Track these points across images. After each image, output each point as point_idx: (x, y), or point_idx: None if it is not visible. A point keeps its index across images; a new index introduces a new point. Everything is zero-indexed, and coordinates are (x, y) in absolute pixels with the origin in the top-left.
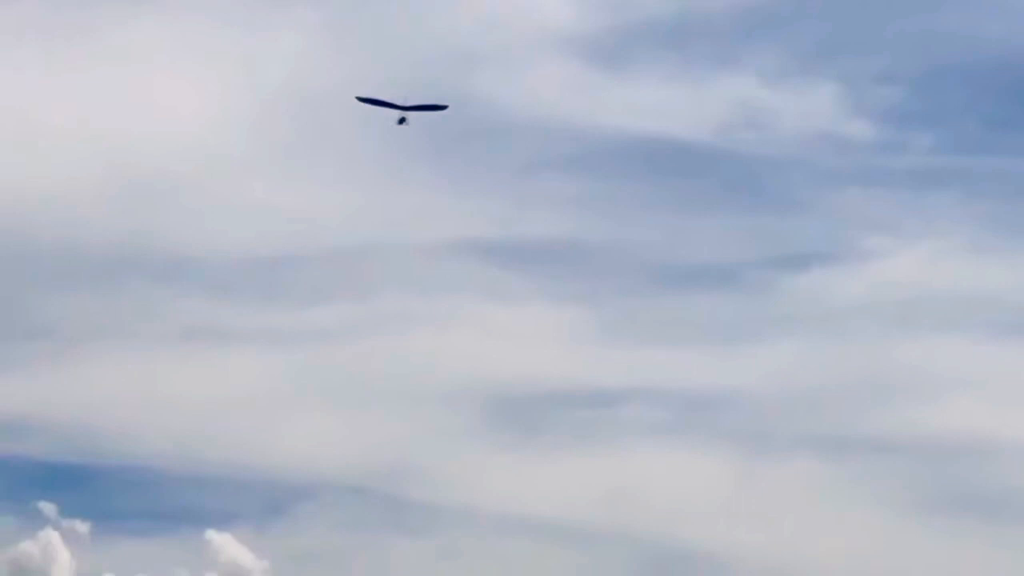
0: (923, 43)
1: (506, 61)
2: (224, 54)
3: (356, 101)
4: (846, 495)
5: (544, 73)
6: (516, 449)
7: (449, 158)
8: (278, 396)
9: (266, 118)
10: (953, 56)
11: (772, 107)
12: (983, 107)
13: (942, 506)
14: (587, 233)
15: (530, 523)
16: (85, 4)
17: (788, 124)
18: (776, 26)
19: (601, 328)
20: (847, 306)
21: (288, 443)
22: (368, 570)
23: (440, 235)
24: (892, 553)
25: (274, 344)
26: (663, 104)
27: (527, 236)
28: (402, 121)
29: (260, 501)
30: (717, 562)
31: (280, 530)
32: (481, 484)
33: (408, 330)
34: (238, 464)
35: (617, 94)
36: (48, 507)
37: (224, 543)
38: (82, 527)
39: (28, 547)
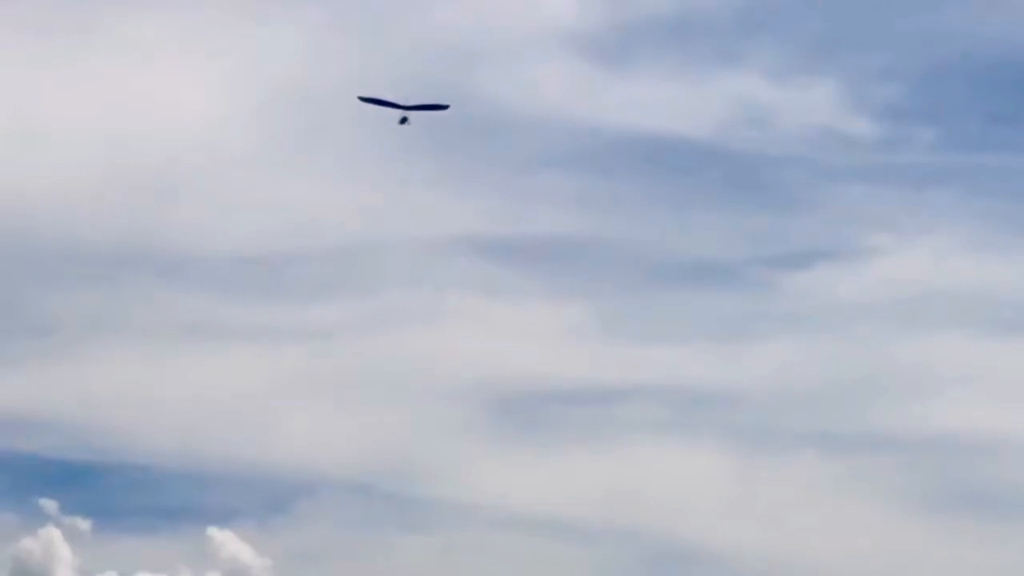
0: (924, 40)
1: (507, 58)
2: (227, 51)
3: (357, 98)
4: (848, 492)
5: (545, 71)
6: (517, 446)
7: (450, 155)
8: (280, 393)
9: (268, 115)
10: (954, 53)
11: (773, 104)
12: (984, 104)
13: (944, 503)
14: (589, 230)
15: (531, 520)
16: (87, 0)
17: (789, 121)
18: (777, 23)
19: (603, 325)
20: (849, 303)
21: (290, 440)
22: (370, 567)
23: (441, 232)
24: (894, 550)
25: (276, 341)
26: (664, 101)
27: (528, 233)
28: (404, 121)
29: (262, 498)
30: (718, 559)
31: (282, 527)
32: (483, 481)
33: (409, 327)
34: (240, 461)
35: (618, 91)
36: (49, 504)
37: (226, 540)
38: (83, 524)
39: (29, 544)
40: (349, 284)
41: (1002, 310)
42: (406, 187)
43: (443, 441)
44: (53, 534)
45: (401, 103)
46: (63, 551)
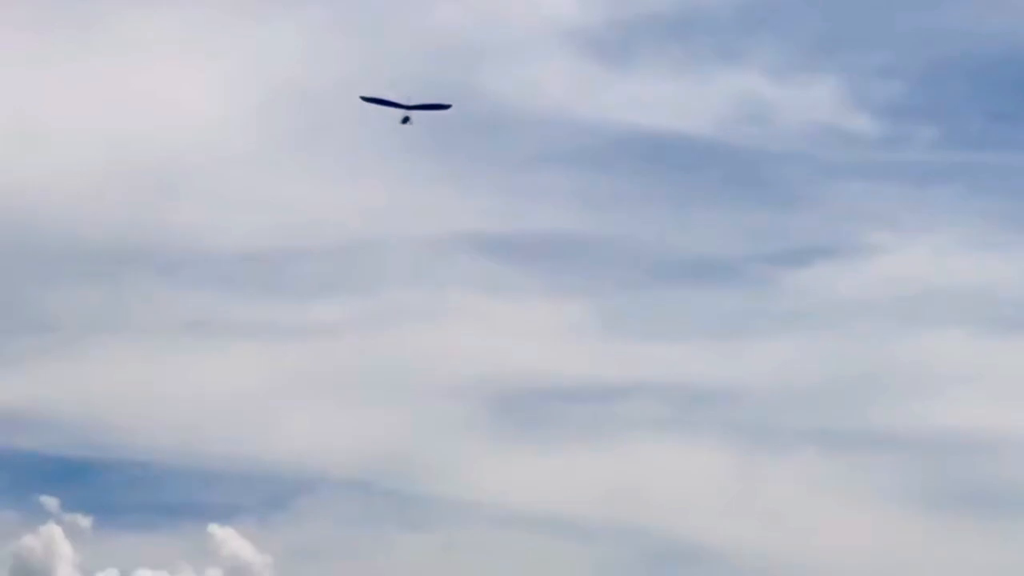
0: (925, 37)
1: (508, 56)
2: (227, 50)
3: (360, 98)
4: (848, 489)
5: (546, 69)
6: (518, 444)
7: (452, 153)
8: (281, 390)
9: (269, 114)
10: (955, 50)
11: (774, 101)
12: (985, 101)
13: (944, 500)
14: (589, 228)
15: (532, 517)
16: None
17: (790, 119)
18: (778, 20)
19: (603, 323)
20: (849, 300)
21: (291, 437)
22: (370, 564)
23: (442, 229)
24: (894, 547)
25: (277, 338)
26: (665, 99)
27: (529, 231)
28: (406, 120)
29: (263, 495)
30: (719, 556)
31: (283, 524)
32: (483, 478)
33: (411, 324)
34: (240, 458)
35: (619, 89)
36: (50, 501)
37: (227, 537)
38: (84, 521)
39: (30, 541)
40: (350, 282)
41: (1002, 308)
42: (407, 185)
43: (443, 438)
44: (54, 531)
45: (403, 103)
46: (64, 548)
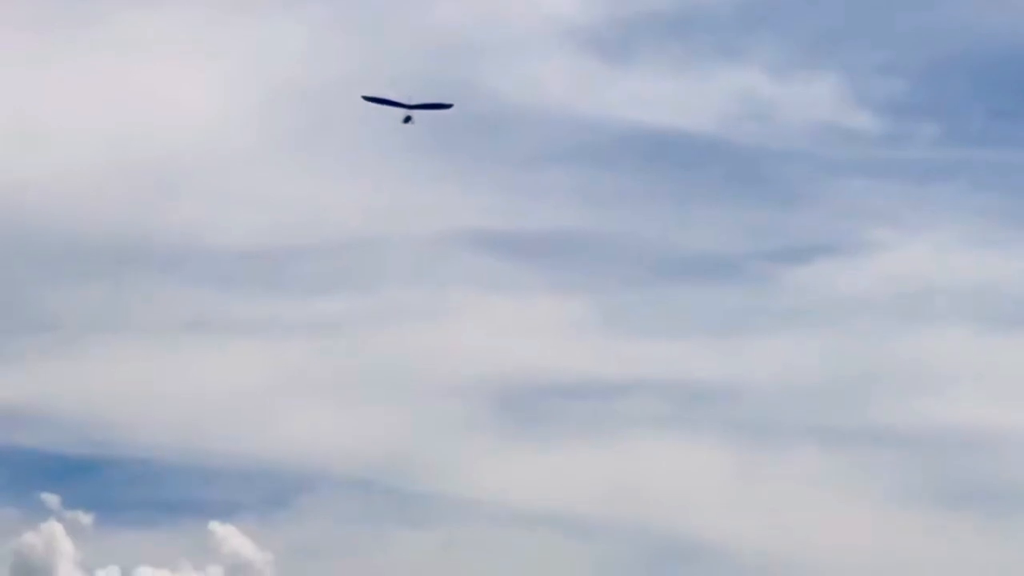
0: (926, 35)
1: (509, 54)
2: (228, 48)
3: (361, 97)
4: (848, 486)
5: (547, 66)
6: (519, 441)
7: (453, 150)
8: (282, 388)
9: (270, 112)
10: (957, 48)
11: (775, 99)
12: (987, 99)
13: (944, 497)
14: (590, 225)
15: (533, 515)
16: None
17: (791, 116)
18: (778, 18)
19: (604, 320)
20: (850, 298)
21: (292, 435)
22: (371, 562)
23: (444, 227)
24: (894, 544)
25: (278, 336)
26: (666, 96)
27: (530, 229)
28: (407, 120)
29: (264, 493)
30: (719, 553)
31: (284, 522)
32: (484, 476)
33: (411, 322)
34: (241, 456)
35: (620, 86)
36: (51, 498)
37: (227, 535)
38: (85, 518)
39: (31, 539)
40: (351, 280)
41: (1003, 305)
42: (408, 183)
43: (444, 436)
44: (55, 528)
45: (404, 102)
46: (65, 545)
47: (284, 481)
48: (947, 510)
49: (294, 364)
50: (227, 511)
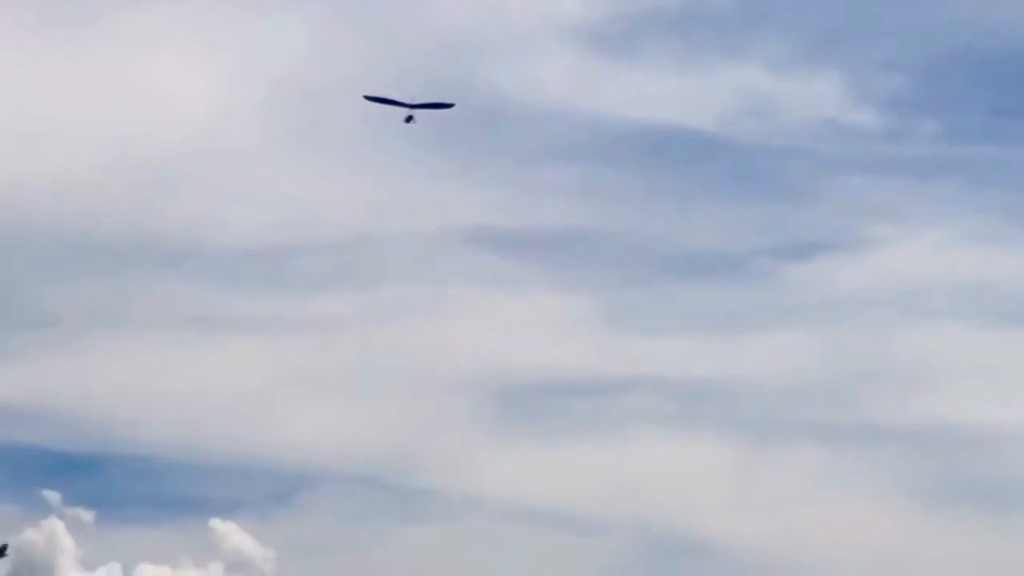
0: (928, 31)
1: (511, 51)
2: (230, 44)
3: (363, 94)
4: (850, 484)
5: (549, 63)
6: (521, 438)
7: (454, 147)
8: (283, 385)
9: (271, 109)
10: (958, 45)
11: (777, 96)
12: (988, 96)
13: (945, 494)
14: (592, 222)
15: (534, 512)
16: None
17: (793, 113)
18: (780, 14)
19: (606, 317)
20: (851, 294)
21: (293, 432)
22: (373, 558)
23: (445, 224)
24: (896, 541)
25: (279, 333)
26: (667, 93)
27: (532, 226)
28: (409, 120)
29: (265, 490)
30: (721, 550)
31: (285, 519)
32: (485, 473)
33: (413, 319)
34: (242, 453)
35: (622, 84)
36: (52, 495)
37: (229, 531)
38: (86, 515)
39: (32, 535)
40: (352, 277)
41: (1004, 302)
42: (410, 180)
43: (446, 433)
44: (56, 525)
45: (406, 102)
46: (66, 542)
47: (285, 478)
48: (948, 507)
49: (295, 361)
50: (228, 508)
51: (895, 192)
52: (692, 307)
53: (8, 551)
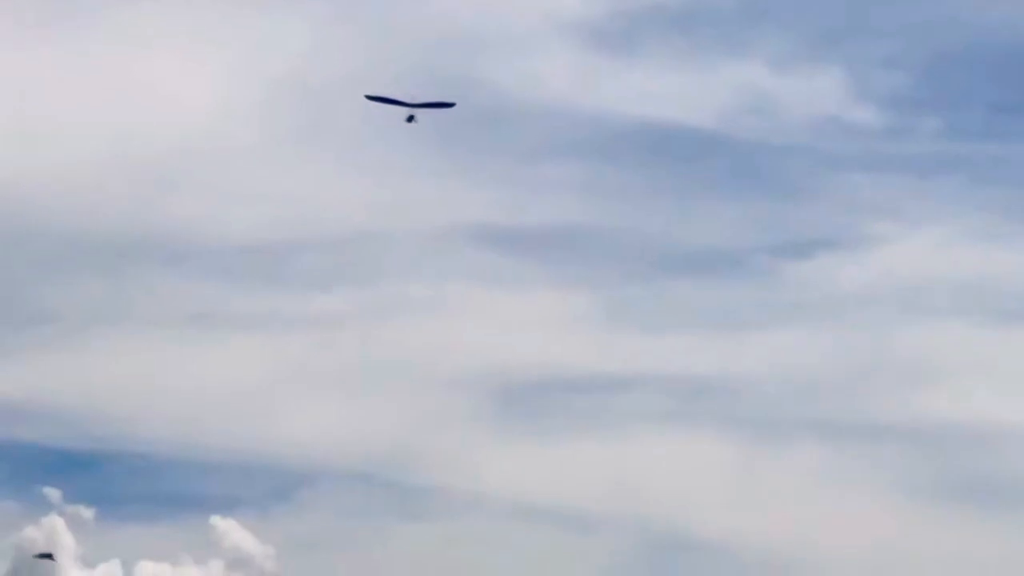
0: (929, 29)
1: (511, 49)
2: (230, 42)
3: (363, 92)
4: (851, 481)
5: (549, 60)
6: (520, 435)
7: (455, 145)
8: (283, 382)
9: (272, 106)
10: (959, 42)
11: (778, 93)
12: (989, 93)
13: (945, 491)
14: (592, 219)
15: (534, 509)
16: None
17: (794, 110)
18: (781, 12)
19: (606, 314)
20: (852, 292)
21: (293, 429)
22: (372, 555)
23: (445, 221)
24: (896, 538)
25: (279, 330)
26: (668, 90)
27: (532, 222)
28: (411, 119)
29: (265, 487)
30: (721, 547)
31: (284, 516)
32: (485, 470)
33: (413, 316)
34: (243, 450)
35: (623, 80)
36: (52, 492)
37: (228, 528)
38: (86, 512)
39: (32, 532)
40: (353, 274)
41: (1005, 299)
42: (410, 177)
43: (446, 430)
44: (56, 522)
45: (407, 101)
46: (66, 539)
47: (285, 475)
48: (949, 504)
49: (295, 358)
50: (228, 505)
51: (896, 189)
52: (692, 304)
53: (55, 558)
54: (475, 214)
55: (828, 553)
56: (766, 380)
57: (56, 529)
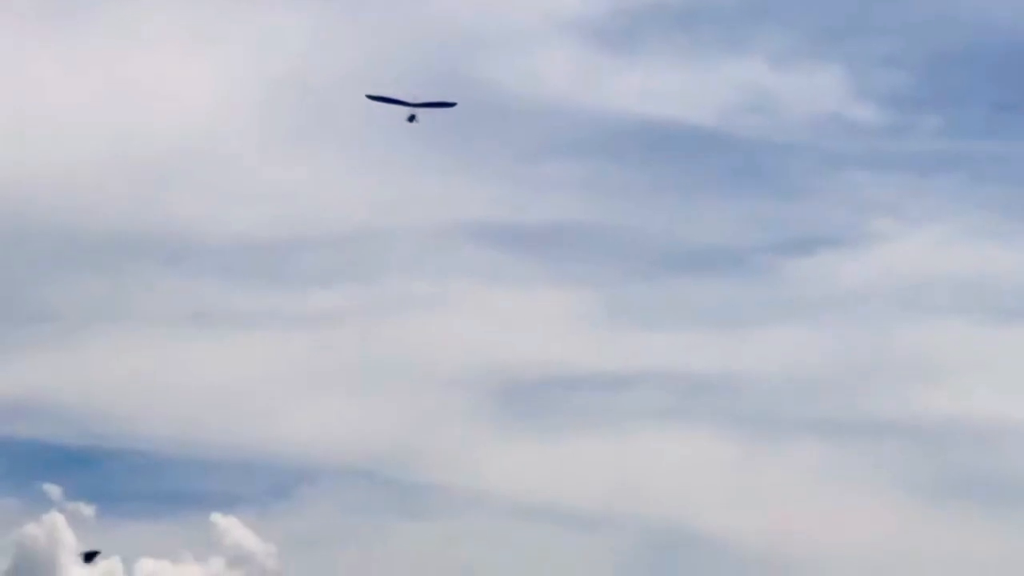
0: (930, 27)
1: (512, 47)
2: (230, 39)
3: (364, 91)
4: (851, 479)
5: (550, 58)
6: (521, 433)
7: (456, 143)
8: (284, 379)
9: (272, 104)
10: (960, 40)
11: (778, 91)
12: (989, 91)
13: (945, 489)
14: (593, 217)
15: (535, 506)
16: None
17: (794, 108)
18: (782, 9)
19: (607, 312)
20: (853, 290)
21: (294, 426)
22: (373, 553)
23: (446, 219)
24: (897, 536)
25: (279, 327)
26: (669, 88)
27: (533, 220)
28: (412, 119)
29: (266, 484)
30: (721, 545)
31: (285, 513)
32: (486, 468)
33: (414, 314)
34: (244, 447)
35: (624, 78)
36: (53, 489)
37: (229, 526)
38: (87, 510)
39: (32, 530)
40: (353, 271)
41: (1005, 297)
42: (410, 175)
43: (446, 428)
44: (57, 520)
45: (408, 101)
46: (67, 537)
47: (286, 472)
48: (948, 502)
49: (296, 356)
50: (229, 502)
51: (896, 187)
52: (693, 302)
53: (96, 559)
54: (476, 212)
55: (828, 550)
56: (767, 377)
57: (56, 526)
